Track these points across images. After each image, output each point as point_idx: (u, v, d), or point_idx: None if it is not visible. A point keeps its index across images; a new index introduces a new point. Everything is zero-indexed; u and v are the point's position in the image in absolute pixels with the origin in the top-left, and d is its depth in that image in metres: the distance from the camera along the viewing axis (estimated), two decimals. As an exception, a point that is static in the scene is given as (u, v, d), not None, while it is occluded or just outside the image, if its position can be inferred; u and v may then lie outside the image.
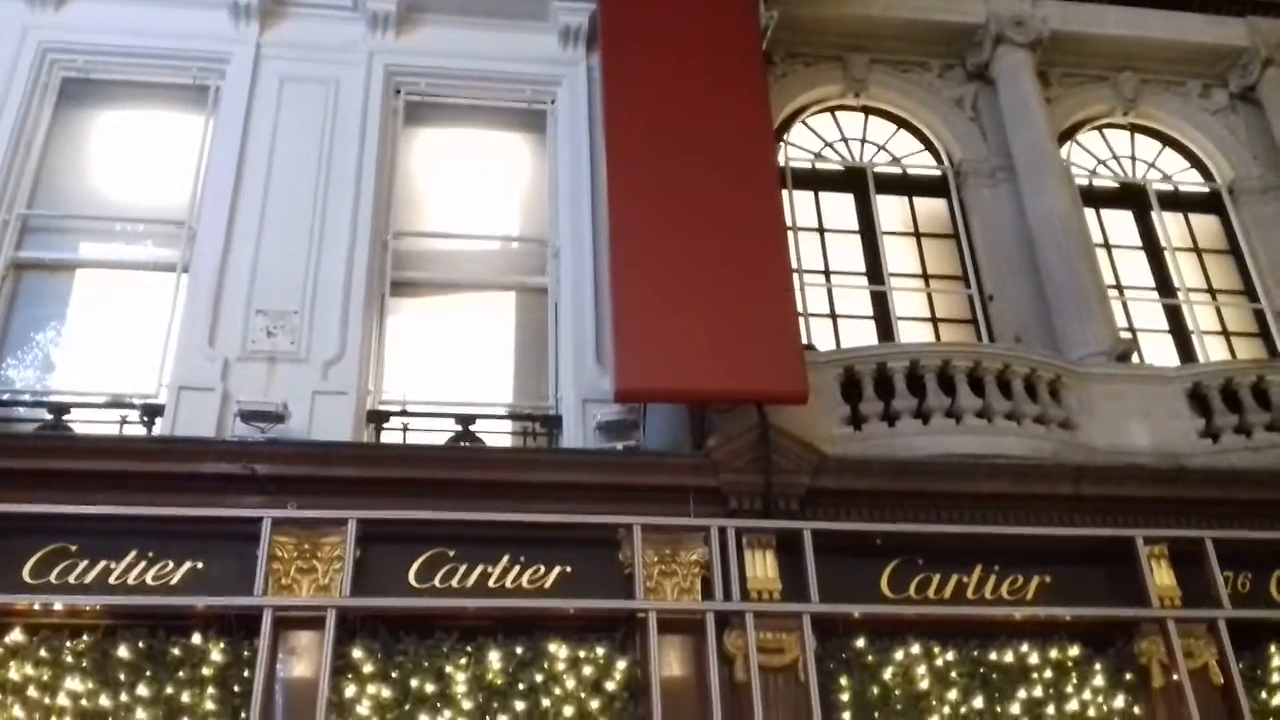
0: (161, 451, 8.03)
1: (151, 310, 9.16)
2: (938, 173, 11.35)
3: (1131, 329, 10.55)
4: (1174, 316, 10.91)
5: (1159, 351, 10.51)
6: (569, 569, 7.84)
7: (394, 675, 7.41)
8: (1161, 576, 8.27)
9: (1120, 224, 11.38)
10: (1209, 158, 11.85)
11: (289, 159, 9.65)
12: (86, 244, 9.63)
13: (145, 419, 8.52)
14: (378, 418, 8.89)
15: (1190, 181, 11.79)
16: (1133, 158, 11.86)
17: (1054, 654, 8.03)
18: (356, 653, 7.43)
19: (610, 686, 7.56)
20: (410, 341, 9.47)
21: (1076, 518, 8.51)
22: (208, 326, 8.81)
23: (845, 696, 7.73)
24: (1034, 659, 7.99)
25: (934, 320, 10.55)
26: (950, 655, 7.92)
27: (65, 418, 8.41)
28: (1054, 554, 8.35)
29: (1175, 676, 7.94)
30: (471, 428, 8.74)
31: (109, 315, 9.24)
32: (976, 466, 8.52)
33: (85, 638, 7.29)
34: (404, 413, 8.97)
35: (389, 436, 8.83)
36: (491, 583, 7.74)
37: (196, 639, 7.35)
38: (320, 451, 8.09)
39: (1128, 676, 8.08)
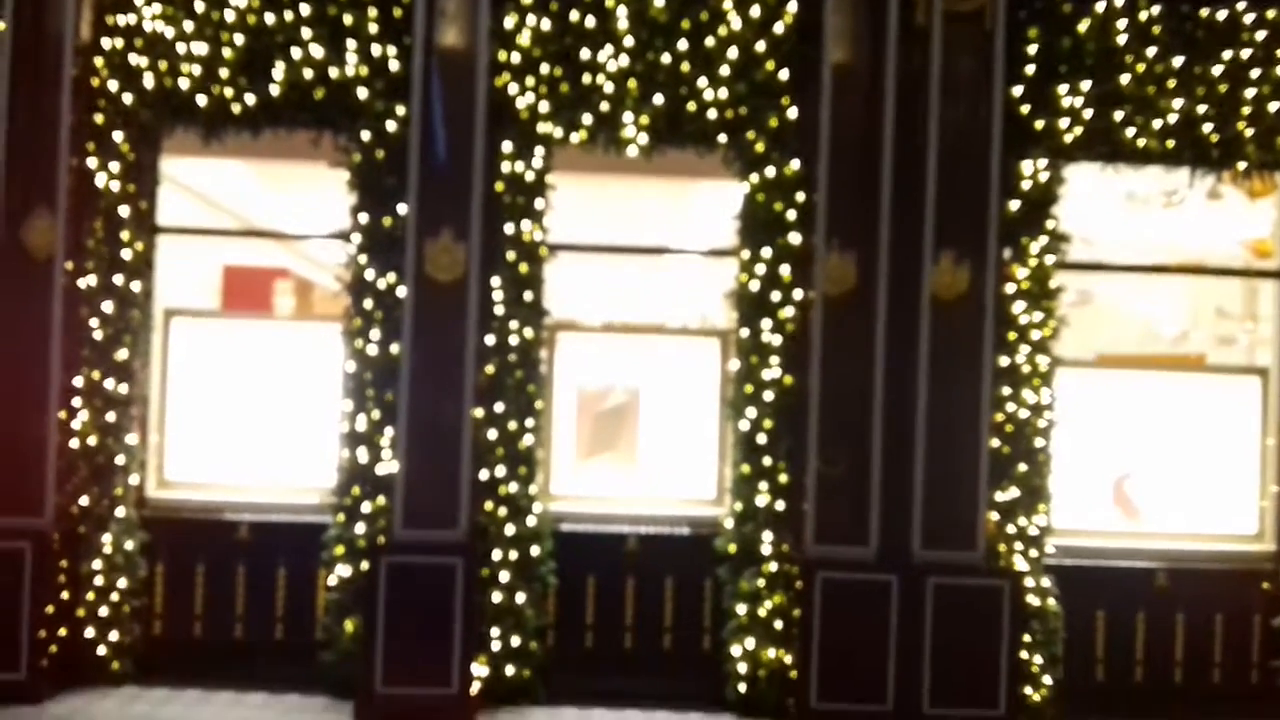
0: None
1: None
2: None
3: None
4: None
5: None
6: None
7: (553, 6, 7.16)
8: None
9: None
10: None
11: None
12: None
13: None
14: None
15: None
16: None
17: (1270, 14, 7.29)
18: (514, -27, 7.14)
19: (779, 30, 7.19)
20: None
21: None
22: None
23: (1032, 50, 7.17)
24: (1249, 19, 7.28)
25: None
26: (1155, 10, 7.25)
27: None
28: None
29: None
30: None
31: None
32: None
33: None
34: None
35: None
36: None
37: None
38: None
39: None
